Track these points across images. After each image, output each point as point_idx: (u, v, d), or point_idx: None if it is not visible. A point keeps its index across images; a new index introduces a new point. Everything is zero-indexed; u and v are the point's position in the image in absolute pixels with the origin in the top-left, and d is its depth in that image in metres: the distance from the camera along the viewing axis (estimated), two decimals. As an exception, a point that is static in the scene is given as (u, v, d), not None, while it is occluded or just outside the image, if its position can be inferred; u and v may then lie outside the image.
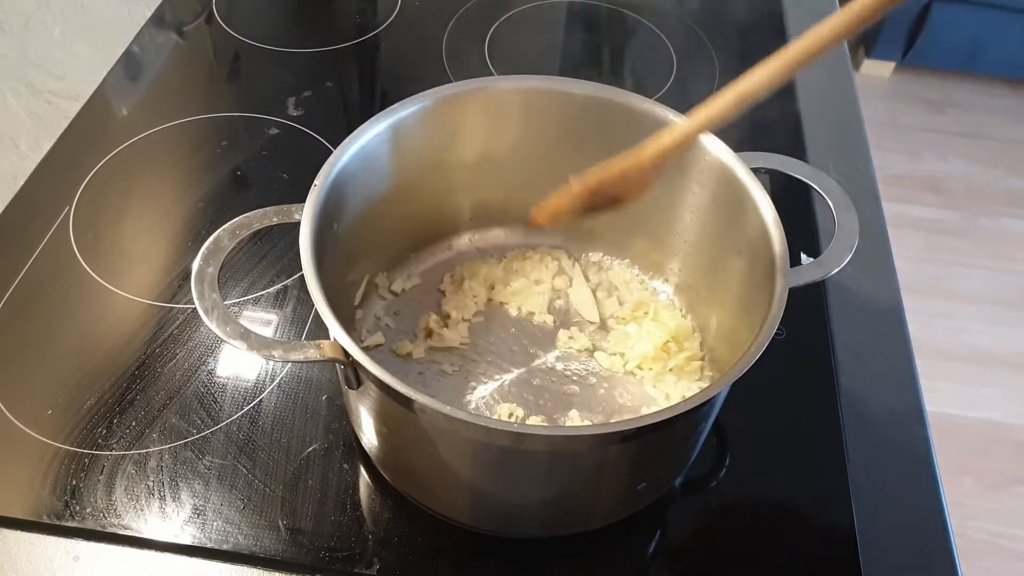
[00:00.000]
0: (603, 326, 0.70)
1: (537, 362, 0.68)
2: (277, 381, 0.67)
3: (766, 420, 0.66)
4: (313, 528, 0.59)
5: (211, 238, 0.54)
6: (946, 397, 1.82)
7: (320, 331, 0.71)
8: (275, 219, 0.56)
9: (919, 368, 0.72)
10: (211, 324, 0.50)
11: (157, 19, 1.03)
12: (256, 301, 0.73)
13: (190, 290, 0.72)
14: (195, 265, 0.52)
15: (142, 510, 0.59)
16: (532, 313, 0.71)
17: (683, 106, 0.67)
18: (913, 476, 0.65)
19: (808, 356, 0.70)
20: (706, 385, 0.66)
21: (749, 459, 0.65)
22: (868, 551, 0.60)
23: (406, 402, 0.48)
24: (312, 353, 0.50)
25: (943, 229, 2.20)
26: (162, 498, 0.60)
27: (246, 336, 0.50)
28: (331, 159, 0.59)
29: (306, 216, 0.55)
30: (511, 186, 0.72)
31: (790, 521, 0.62)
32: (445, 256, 0.74)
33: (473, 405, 0.65)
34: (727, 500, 0.63)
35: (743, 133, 0.76)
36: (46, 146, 0.85)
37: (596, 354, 0.68)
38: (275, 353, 0.50)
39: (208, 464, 0.62)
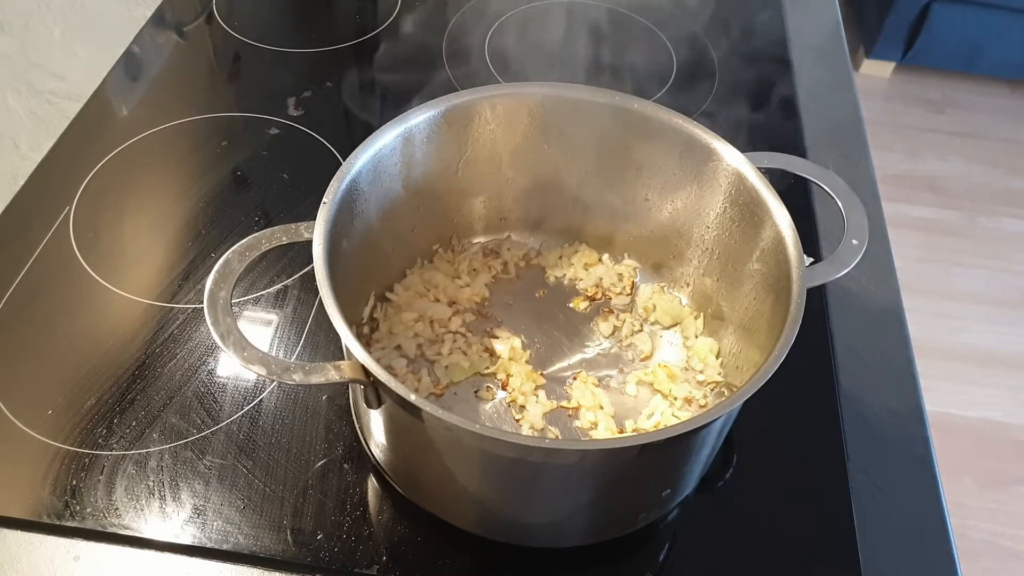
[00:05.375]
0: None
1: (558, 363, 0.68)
2: (277, 381, 0.67)
3: (766, 420, 0.66)
4: (313, 528, 0.59)
5: (220, 261, 0.53)
6: (946, 397, 1.82)
7: (320, 332, 0.71)
8: (284, 239, 0.55)
9: (919, 368, 0.72)
10: (228, 350, 0.50)
11: (157, 19, 1.03)
12: (256, 301, 0.73)
13: (191, 291, 0.73)
14: (207, 290, 0.52)
15: (142, 510, 0.59)
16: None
17: (683, 106, 0.67)
18: (913, 476, 0.65)
19: (808, 356, 0.70)
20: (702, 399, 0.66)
21: (750, 459, 0.65)
22: (868, 551, 0.60)
23: (435, 422, 0.48)
24: (333, 375, 0.50)
25: (942, 229, 2.20)
26: (162, 498, 0.60)
27: (265, 361, 0.49)
28: (340, 173, 0.58)
29: (317, 234, 0.54)
30: (522, 192, 0.72)
31: (790, 521, 0.62)
32: (454, 267, 0.73)
33: (491, 407, 0.65)
34: (731, 501, 0.63)
35: (744, 134, 0.76)
36: (46, 146, 0.85)
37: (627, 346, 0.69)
38: (296, 377, 0.50)
39: (208, 464, 0.62)
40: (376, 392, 0.51)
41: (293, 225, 0.56)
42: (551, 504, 0.56)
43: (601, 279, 0.73)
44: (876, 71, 2.59)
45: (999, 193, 2.30)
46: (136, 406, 0.65)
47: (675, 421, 0.63)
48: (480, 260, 0.73)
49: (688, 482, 0.60)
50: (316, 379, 0.50)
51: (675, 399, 0.65)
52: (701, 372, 0.67)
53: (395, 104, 0.88)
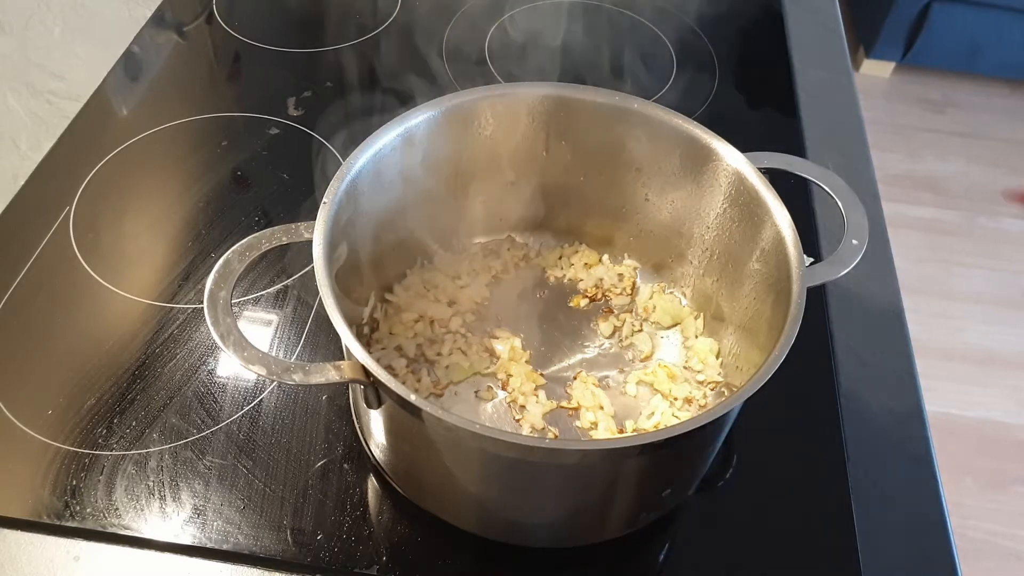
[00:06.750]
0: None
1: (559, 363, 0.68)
2: (277, 381, 0.67)
3: (767, 420, 0.66)
4: (313, 528, 0.59)
5: (220, 261, 0.53)
6: (946, 397, 1.82)
7: (320, 332, 0.71)
8: (284, 239, 0.55)
9: (919, 368, 0.72)
10: (228, 350, 0.49)
11: (157, 19, 1.03)
12: (256, 301, 0.73)
13: (191, 291, 0.73)
14: (207, 290, 0.52)
15: (142, 510, 0.59)
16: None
17: (683, 106, 0.67)
18: (913, 476, 0.65)
19: (808, 356, 0.70)
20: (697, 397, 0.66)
21: (750, 459, 0.65)
22: (868, 551, 0.60)
23: (435, 422, 0.48)
24: (333, 375, 0.50)
25: (942, 229, 2.20)
26: (162, 498, 0.60)
27: (265, 361, 0.49)
28: (340, 173, 0.58)
29: (317, 234, 0.54)
30: (522, 192, 0.72)
31: (790, 521, 0.62)
32: (454, 267, 0.73)
33: (491, 407, 0.65)
34: (731, 501, 0.63)
35: (744, 134, 0.76)
36: (46, 146, 0.85)
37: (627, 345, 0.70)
38: (296, 377, 0.50)
39: (208, 464, 0.62)
40: (376, 392, 0.51)
41: (293, 225, 0.56)
42: (551, 504, 0.56)
43: (601, 279, 0.73)
44: (876, 71, 2.59)
45: (999, 193, 2.30)
46: (136, 406, 0.65)
47: (675, 421, 0.63)
48: (480, 260, 0.73)
49: (688, 482, 0.60)
50: (316, 379, 0.50)
51: (675, 399, 0.65)
52: (701, 372, 0.67)
53: (395, 104, 0.88)
